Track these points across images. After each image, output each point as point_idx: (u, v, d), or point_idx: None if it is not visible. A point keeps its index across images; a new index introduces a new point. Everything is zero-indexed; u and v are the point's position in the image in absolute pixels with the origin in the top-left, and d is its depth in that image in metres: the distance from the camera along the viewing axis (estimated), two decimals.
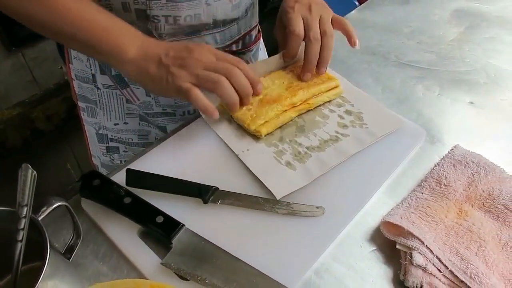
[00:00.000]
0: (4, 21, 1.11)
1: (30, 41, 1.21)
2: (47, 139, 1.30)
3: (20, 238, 0.35)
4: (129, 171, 0.49)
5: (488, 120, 0.61)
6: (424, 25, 0.80)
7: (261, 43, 0.82)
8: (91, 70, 0.65)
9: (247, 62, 0.75)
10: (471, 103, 0.64)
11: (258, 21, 0.76)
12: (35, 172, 0.34)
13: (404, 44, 0.75)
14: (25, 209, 0.35)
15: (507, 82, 0.67)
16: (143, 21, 0.58)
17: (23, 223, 0.35)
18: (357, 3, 1.80)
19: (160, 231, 0.44)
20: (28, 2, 0.49)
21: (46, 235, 0.34)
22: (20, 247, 0.35)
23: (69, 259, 0.42)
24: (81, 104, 0.71)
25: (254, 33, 0.73)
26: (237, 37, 0.69)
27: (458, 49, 0.74)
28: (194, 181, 0.49)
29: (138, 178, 0.49)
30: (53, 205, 0.38)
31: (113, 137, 0.72)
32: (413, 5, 0.85)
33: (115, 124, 0.71)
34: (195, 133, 0.57)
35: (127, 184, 0.48)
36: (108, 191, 0.47)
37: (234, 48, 0.70)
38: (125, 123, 0.71)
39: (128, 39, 0.51)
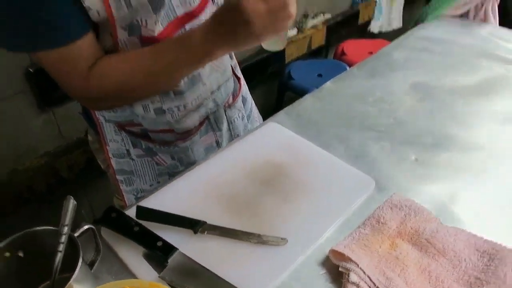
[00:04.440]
0: (40, 84, 1.32)
1: (60, 101, 1.42)
2: (68, 186, 1.46)
3: (60, 249, 0.50)
4: (138, 208, 0.64)
5: (427, 174, 0.76)
6: (386, 95, 0.97)
7: (251, 100, 1.00)
8: (125, 146, 0.82)
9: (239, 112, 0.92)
10: (416, 159, 0.79)
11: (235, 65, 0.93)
12: (75, 202, 0.50)
13: (368, 111, 0.92)
14: (66, 228, 0.50)
15: (448, 143, 0.83)
16: (161, 116, 0.75)
17: (63, 238, 0.49)
18: (348, 67, 2.01)
19: (159, 253, 0.58)
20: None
21: (80, 246, 0.49)
22: (59, 256, 0.50)
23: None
24: (119, 177, 0.87)
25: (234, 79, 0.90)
26: (232, 90, 0.86)
27: (412, 115, 0.91)
28: (190, 215, 0.64)
29: (145, 213, 0.64)
30: (83, 227, 0.53)
31: None
32: (378, 79, 1.03)
33: (150, 185, 0.86)
34: (192, 179, 0.72)
35: (136, 217, 0.63)
36: (122, 222, 0.62)
37: (231, 100, 0.87)
38: (158, 182, 0.87)
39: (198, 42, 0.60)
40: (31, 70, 1.27)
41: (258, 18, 0.54)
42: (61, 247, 0.49)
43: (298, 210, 0.67)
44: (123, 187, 0.88)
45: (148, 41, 0.65)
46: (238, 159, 0.77)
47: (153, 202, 0.68)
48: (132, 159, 0.83)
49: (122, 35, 0.64)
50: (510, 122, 0.89)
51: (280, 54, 2.13)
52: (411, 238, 0.61)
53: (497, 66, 1.08)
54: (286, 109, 0.93)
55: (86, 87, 0.65)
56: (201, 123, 0.83)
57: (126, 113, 0.76)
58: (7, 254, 0.50)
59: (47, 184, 1.39)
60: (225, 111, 0.87)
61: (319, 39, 2.33)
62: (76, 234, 0.51)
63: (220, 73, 0.80)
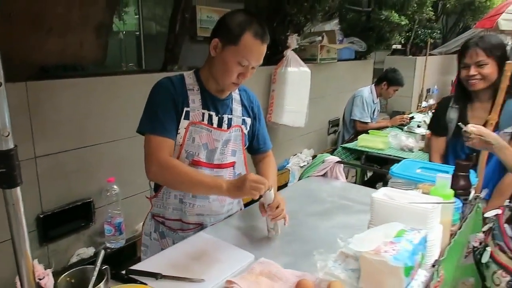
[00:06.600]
0: (45, 226, 1.88)
1: (54, 239, 1.96)
2: None
3: (94, 275, 1.05)
4: (127, 269, 1.22)
5: (285, 252, 1.40)
6: None
7: None
8: (150, 229, 1.55)
9: None
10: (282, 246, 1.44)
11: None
12: (103, 251, 1.09)
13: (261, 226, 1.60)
14: (98, 264, 1.07)
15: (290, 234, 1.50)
16: (181, 204, 1.44)
17: (96, 270, 1.06)
18: None
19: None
20: (174, 179, 1.34)
21: (107, 273, 1.06)
22: (93, 280, 1.05)
23: None
24: (143, 248, 1.56)
25: None
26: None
27: (286, 226, 1.59)
28: (158, 271, 1.21)
29: (132, 271, 1.21)
30: (103, 267, 1.10)
31: None
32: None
33: None
34: (164, 254, 1.32)
35: (126, 273, 1.20)
36: (119, 276, 1.18)
37: None
38: None
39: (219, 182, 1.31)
40: (41, 216, 1.86)
41: (249, 181, 1.26)
42: (95, 274, 1.06)
43: (212, 267, 1.27)
44: (142, 255, 1.52)
45: (194, 162, 1.42)
46: (186, 249, 1.38)
47: (141, 266, 1.26)
48: (151, 240, 1.50)
49: (183, 155, 1.40)
50: (341, 229, 1.59)
51: None
52: (266, 275, 1.22)
53: (336, 201, 1.85)
54: (215, 225, 1.58)
55: (158, 162, 1.33)
56: (197, 226, 1.49)
57: (159, 208, 1.47)
58: (68, 279, 1.06)
59: None
60: None
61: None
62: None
63: (221, 206, 1.52)
